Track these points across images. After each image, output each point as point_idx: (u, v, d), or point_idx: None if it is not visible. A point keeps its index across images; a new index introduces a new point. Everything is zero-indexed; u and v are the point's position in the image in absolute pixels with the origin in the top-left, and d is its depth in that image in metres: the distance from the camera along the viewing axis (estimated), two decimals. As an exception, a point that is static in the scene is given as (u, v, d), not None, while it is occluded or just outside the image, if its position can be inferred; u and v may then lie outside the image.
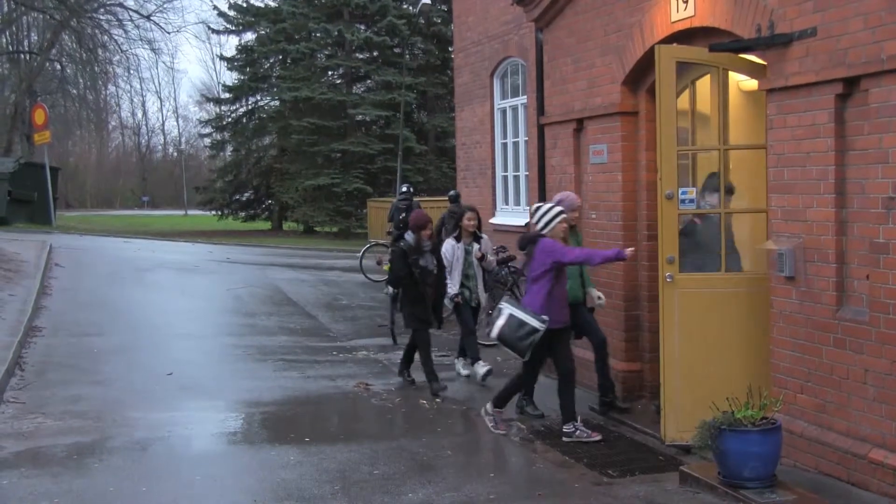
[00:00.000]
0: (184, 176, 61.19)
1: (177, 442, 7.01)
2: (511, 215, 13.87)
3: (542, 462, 6.65)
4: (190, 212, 53.88)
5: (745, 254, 7.03)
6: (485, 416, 7.56)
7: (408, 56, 30.80)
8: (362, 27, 32.84)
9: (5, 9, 35.63)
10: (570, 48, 8.82)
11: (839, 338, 5.67)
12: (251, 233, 34.81)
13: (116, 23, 36.35)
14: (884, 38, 5.23)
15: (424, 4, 23.82)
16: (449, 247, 9.10)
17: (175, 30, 64.92)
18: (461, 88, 15.57)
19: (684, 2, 7.05)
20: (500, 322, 7.03)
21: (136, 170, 69.17)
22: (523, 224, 13.10)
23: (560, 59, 9.02)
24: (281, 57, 34.34)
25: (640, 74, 7.87)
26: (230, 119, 36.93)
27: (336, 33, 31.43)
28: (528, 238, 7.29)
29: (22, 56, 38.45)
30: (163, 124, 78.15)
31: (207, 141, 41.40)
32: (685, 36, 7.15)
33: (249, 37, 37.60)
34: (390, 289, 9.81)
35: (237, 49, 36.59)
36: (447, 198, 14.41)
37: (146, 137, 71.44)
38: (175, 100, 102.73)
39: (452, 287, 9.01)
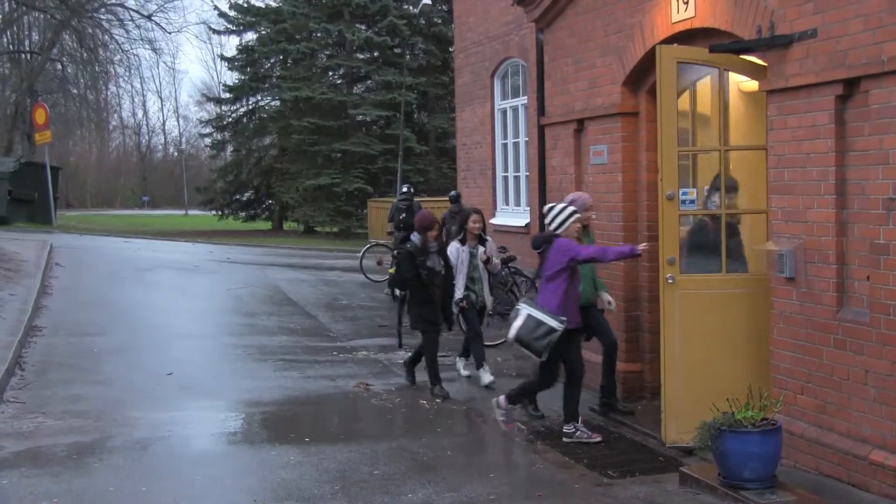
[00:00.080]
0: (184, 176, 61.19)
1: (177, 442, 7.02)
2: (511, 216, 13.88)
3: (542, 462, 6.65)
4: (190, 212, 53.91)
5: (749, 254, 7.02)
6: (496, 409, 7.44)
7: (408, 56, 30.82)
8: (363, 27, 32.84)
9: (6, 8, 35.66)
10: (570, 49, 8.82)
11: (839, 339, 5.67)
12: (251, 233, 34.80)
13: (117, 22, 36.43)
14: (884, 39, 5.23)
15: (425, 5, 23.82)
16: (454, 250, 9.06)
17: (176, 30, 65.07)
18: (462, 89, 15.58)
19: (685, 3, 7.05)
20: (518, 323, 6.95)
21: (136, 169, 69.19)
22: (524, 224, 13.13)
23: (561, 60, 9.02)
24: (281, 57, 34.35)
25: (641, 75, 7.87)
26: (231, 119, 36.94)
27: (337, 33, 31.44)
28: (542, 238, 7.27)
29: (23, 56, 38.45)
30: (163, 124, 78.01)
31: (208, 141, 41.41)
32: (685, 37, 7.15)
33: (250, 37, 37.72)
34: (389, 289, 9.80)
35: (238, 49, 36.64)
36: (448, 198, 14.41)
37: (147, 137, 71.58)
38: (176, 100, 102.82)
39: (458, 290, 8.98)
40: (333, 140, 31.68)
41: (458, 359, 9.62)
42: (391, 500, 5.71)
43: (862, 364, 5.51)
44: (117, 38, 36.53)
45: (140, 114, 72.82)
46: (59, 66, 37.90)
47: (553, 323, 6.83)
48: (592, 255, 7.04)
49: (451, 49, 25.30)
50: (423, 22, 29.43)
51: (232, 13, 36.57)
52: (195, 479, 6.14)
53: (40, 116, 29.03)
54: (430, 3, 24.14)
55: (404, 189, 15.60)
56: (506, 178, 14.25)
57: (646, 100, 7.93)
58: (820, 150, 5.76)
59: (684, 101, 7.06)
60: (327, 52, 33.82)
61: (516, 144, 13.86)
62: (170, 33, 59.75)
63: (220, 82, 50.92)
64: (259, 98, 36.46)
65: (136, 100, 68.05)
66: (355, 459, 6.55)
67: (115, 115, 68.57)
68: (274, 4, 35.35)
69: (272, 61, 35.41)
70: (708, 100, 7.07)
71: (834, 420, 5.73)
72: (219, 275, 17.34)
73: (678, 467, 6.20)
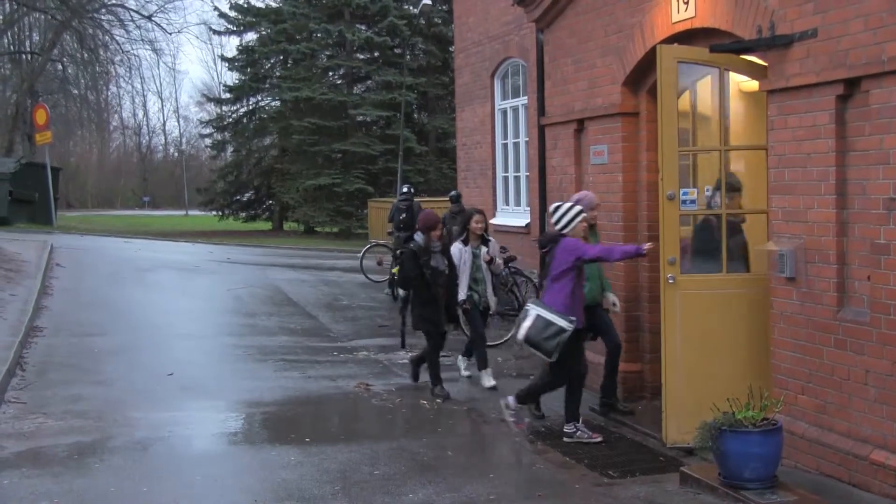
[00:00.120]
0: (184, 176, 61.17)
1: (177, 442, 7.02)
2: (511, 216, 13.89)
3: (542, 462, 6.65)
4: (191, 212, 53.88)
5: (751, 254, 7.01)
6: (504, 410, 7.42)
7: (408, 56, 30.83)
8: (363, 27, 32.86)
9: (7, 9, 35.65)
10: (570, 49, 8.82)
11: (840, 339, 5.68)
12: (252, 233, 34.80)
13: (118, 23, 36.40)
14: (885, 39, 5.23)
15: (425, 5, 23.83)
16: (457, 250, 9.04)
17: (176, 30, 65.20)
18: (462, 89, 15.58)
19: (685, 3, 7.05)
20: (527, 323, 6.92)
21: (136, 170, 69.18)
22: (524, 224, 13.14)
23: (561, 60, 9.02)
24: (282, 57, 34.36)
25: (641, 75, 7.87)
26: (231, 119, 36.95)
27: (337, 34, 31.45)
28: (549, 237, 7.27)
29: (23, 56, 38.47)
30: (164, 124, 78.17)
31: (208, 141, 41.42)
32: (686, 37, 7.15)
33: (250, 37, 37.71)
34: (390, 289, 9.79)
35: (238, 49, 36.63)
36: (448, 198, 14.41)
37: (147, 138, 71.57)
38: (176, 100, 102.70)
39: (461, 292, 8.97)
40: (334, 140, 31.69)
41: (459, 358, 9.61)
42: (392, 500, 5.71)
43: (862, 364, 5.51)
44: (118, 38, 36.57)
45: (140, 114, 72.97)
46: (60, 67, 37.92)
47: (563, 323, 6.82)
48: (599, 255, 7.02)
49: (451, 49, 25.30)
50: (423, 22, 29.44)
51: (232, 13, 36.58)
52: (196, 480, 6.14)
53: (41, 117, 29.03)
54: (430, 3, 24.14)
55: (404, 189, 15.60)
56: (506, 179, 14.26)
57: (646, 100, 7.93)
58: (820, 149, 5.76)
59: (684, 101, 7.06)
60: (327, 53, 33.82)
61: (516, 144, 13.87)
62: (170, 34, 59.73)
63: (220, 83, 51.02)
64: (259, 98, 36.47)
65: (136, 100, 68.18)
66: (356, 460, 6.55)
67: (116, 116, 68.70)
68: (274, 5, 35.36)
69: (272, 62, 35.42)
70: (708, 100, 7.06)
71: (834, 420, 5.73)
72: (219, 275, 17.34)
73: (679, 467, 6.20)
